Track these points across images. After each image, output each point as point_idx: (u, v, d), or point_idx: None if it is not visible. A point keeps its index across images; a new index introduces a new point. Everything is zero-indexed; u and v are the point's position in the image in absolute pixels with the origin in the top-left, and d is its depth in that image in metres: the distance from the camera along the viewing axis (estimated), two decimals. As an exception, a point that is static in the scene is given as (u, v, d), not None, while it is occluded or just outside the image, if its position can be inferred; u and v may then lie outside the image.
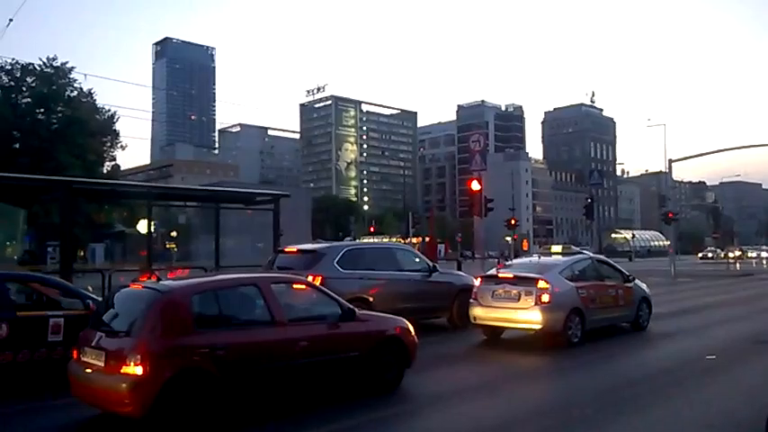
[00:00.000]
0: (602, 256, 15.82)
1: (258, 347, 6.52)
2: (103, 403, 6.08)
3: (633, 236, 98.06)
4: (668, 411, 6.93)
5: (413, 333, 8.12)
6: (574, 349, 10.64)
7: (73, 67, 42.43)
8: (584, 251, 14.98)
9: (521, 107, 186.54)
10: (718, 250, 68.30)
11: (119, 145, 45.77)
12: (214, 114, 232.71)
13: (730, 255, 51.77)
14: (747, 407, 6.84)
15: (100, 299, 8.37)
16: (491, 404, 7.48)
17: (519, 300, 10.97)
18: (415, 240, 60.13)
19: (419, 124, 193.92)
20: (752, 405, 6.77)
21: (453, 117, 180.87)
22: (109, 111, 44.88)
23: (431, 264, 13.65)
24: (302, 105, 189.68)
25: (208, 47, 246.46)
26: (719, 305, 18.78)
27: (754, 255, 66.23)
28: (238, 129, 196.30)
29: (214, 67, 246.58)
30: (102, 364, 5.95)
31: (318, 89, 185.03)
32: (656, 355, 10.93)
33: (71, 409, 6.56)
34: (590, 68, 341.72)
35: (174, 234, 30.96)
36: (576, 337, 11.00)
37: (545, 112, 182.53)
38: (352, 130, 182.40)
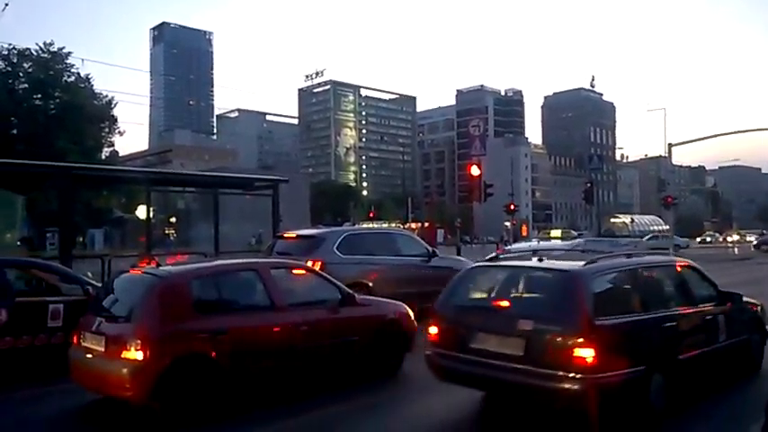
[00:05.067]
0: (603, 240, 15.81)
1: (258, 332, 6.55)
2: (104, 388, 6.11)
3: (632, 220, 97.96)
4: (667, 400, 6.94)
5: (412, 318, 8.16)
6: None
7: (70, 53, 42.07)
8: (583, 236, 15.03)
9: (520, 92, 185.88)
10: (717, 234, 68.47)
11: (117, 131, 45.49)
12: (212, 100, 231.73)
13: (728, 239, 51.78)
14: (748, 394, 6.88)
15: (99, 284, 8.38)
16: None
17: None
18: (414, 225, 60.19)
19: (418, 109, 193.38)
20: (754, 392, 6.81)
21: (453, 102, 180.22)
22: (107, 96, 44.55)
23: (430, 249, 13.65)
24: (301, 90, 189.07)
25: (206, 31, 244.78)
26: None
27: (753, 239, 66.33)
28: (237, 114, 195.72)
29: (212, 52, 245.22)
30: (103, 350, 5.98)
31: (317, 74, 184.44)
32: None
33: (71, 394, 6.58)
34: (590, 53, 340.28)
35: (173, 220, 30.92)
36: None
37: (545, 97, 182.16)
38: (351, 115, 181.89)
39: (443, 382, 6.49)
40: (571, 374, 5.25)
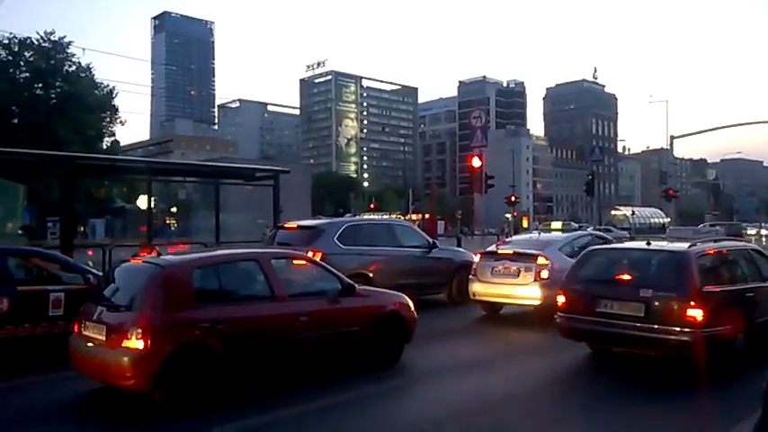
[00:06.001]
0: (602, 233, 15.85)
1: (258, 322, 6.57)
2: (105, 377, 6.13)
3: (633, 213, 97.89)
4: (667, 389, 6.98)
5: (412, 308, 8.18)
6: (572, 325, 10.67)
7: (71, 42, 42.13)
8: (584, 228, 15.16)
9: (522, 83, 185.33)
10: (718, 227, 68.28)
11: (118, 120, 45.54)
12: (213, 89, 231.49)
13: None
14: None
15: (100, 274, 8.40)
16: (489, 379, 7.54)
17: (518, 276, 11.01)
18: (414, 217, 60.15)
19: (420, 100, 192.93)
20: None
21: (454, 93, 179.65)
22: (108, 86, 44.59)
23: (430, 240, 13.67)
24: (302, 80, 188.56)
25: (207, 21, 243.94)
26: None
27: (754, 232, 66.09)
28: (238, 104, 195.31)
29: (213, 42, 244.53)
30: (104, 338, 5.99)
31: (318, 64, 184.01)
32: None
33: (72, 382, 6.62)
34: (592, 44, 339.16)
35: (173, 210, 31.00)
36: (574, 313, 11.04)
37: (547, 89, 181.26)
38: (353, 105, 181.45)
39: (571, 339, 8.15)
40: (684, 329, 6.84)
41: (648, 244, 8.25)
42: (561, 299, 8.06)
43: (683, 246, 7.91)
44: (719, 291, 7.35)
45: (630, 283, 7.50)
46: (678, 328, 6.88)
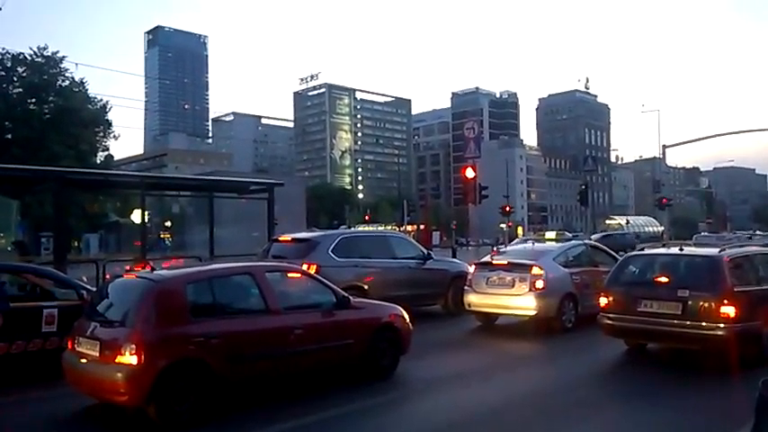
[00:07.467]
0: (595, 242, 15.88)
1: (253, 336, 6.54)
2: (99, 393, 6.09)
3: (627, 222, 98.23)
4: (662, 396, 6.98)
5: (407, 320, 8.16)
6: (568, 335, 10.70)
7: (64, 57, 42.10)
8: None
9: (515, 94, 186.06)
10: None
11: (112, 135, 45.50)
12: (207, 103, 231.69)
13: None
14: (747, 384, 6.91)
15: (94, 289, 8.35)
16: (485, 390, 7.53)
17: (513, 286, 11.01)
18: (409, 228, 60.16)
19: (413, 112, 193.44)
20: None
21: (448, 104, 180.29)
22: (101, 100, 44.55)
23: (425, 251, 13.67)
24: (296, 93, 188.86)
25: (200, 35, 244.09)
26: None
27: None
28: (232, 117, 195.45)
29: (207, 56, 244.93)
30: (97, 354, 5.96)
31: (312, 77, 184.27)
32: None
33: (66, 399, 6.57)
34: (584, 55, 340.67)
35: (168, 224, 30.95)
36: (570, 322, 11.06)
37: (539, 99, 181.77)
38: (347, 118, 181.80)
39: (613, 337, 8.99)
40: (719, 324, 7.61)
41: (681, 250, 9.07)
42: (603, 300, 8.82)
43: (714, 251, 8.73)
44: (749, 290, 8.11)
45: (668, 285, 8.28)
46: (713, 324, 7.62)
